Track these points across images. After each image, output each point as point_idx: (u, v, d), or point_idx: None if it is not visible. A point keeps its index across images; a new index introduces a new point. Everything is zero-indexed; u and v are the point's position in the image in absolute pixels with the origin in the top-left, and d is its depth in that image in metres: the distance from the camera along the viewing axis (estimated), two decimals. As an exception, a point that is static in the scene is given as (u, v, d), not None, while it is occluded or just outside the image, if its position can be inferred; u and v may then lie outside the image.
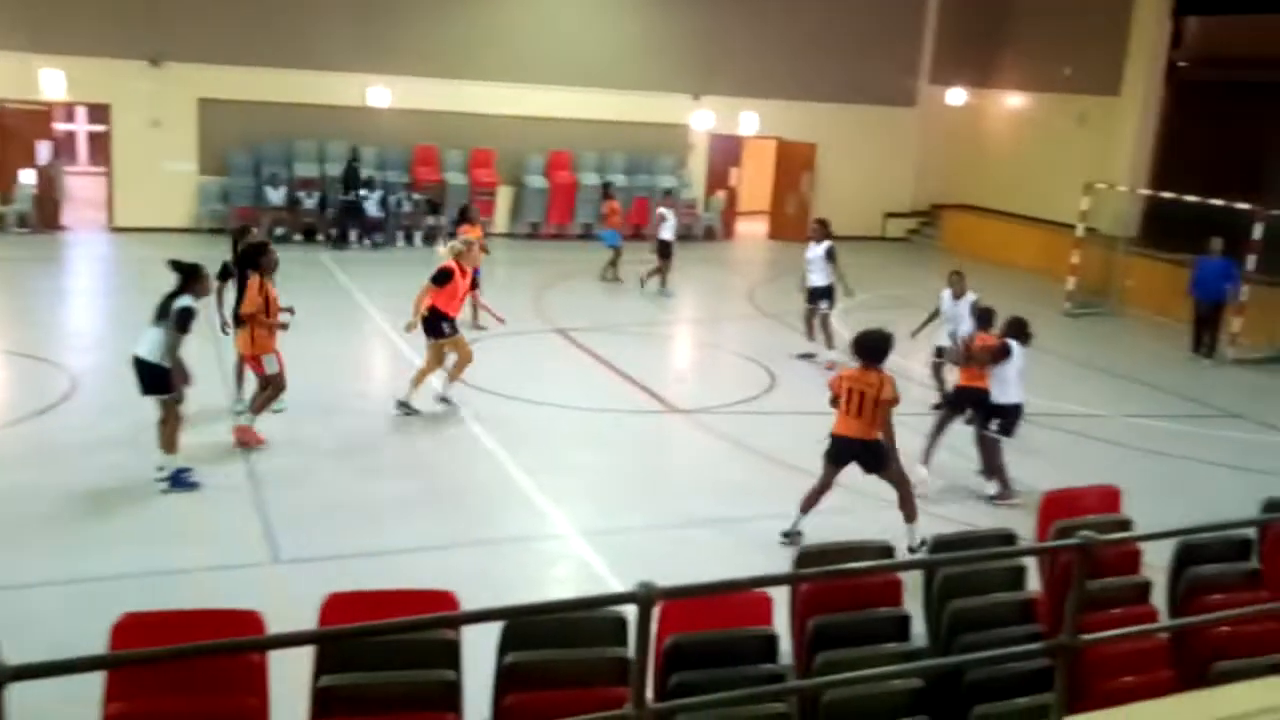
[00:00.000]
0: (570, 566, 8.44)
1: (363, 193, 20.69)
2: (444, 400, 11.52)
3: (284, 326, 10.18)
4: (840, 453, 8.42)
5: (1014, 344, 9.72)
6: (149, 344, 8.80)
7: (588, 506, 9.40)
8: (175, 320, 8.75)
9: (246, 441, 9.98)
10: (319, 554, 8.06)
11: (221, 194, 20.88)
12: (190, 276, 8.95)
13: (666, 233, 17.77)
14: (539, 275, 18.95)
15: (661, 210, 18.20)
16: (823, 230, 14.52)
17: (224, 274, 10.77)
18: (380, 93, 21.25)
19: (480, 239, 14.88)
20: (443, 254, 11.53)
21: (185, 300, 8.83)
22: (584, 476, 10.08)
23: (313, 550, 8.12)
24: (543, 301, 16.94)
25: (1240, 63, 23.06)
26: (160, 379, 8.85)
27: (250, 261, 10.13)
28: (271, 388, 10.18)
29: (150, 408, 9.02)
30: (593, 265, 19.40)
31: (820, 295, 14.17)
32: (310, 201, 20.63)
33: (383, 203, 20.94)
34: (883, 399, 8.10)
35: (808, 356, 14.28)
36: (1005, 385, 9.67)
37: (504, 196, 22.47)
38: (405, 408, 11.19)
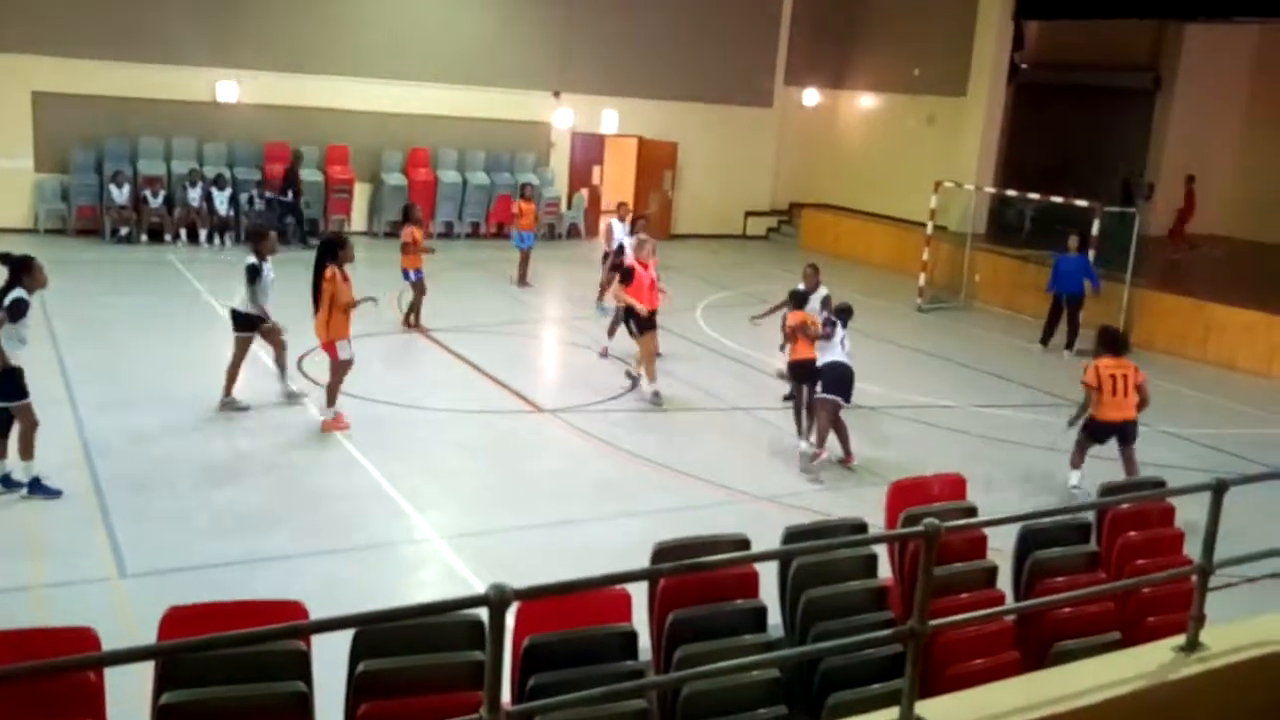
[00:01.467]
0: (434, 571, 8.32)
1: (213, 190, 20.04)
2: None
3: (373, 301, 11.32)
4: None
5: (838, 321, 10.92)
6: None
7: (452, 509, 9.29)
8: (8, 312, 8.44)
9: (337, 427, 10.67)
10: (169, 566, 7.76)
11: (61, 192, 19.92)
12: (21, 268, 8.64)
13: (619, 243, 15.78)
14: (399, 275, 18.60)
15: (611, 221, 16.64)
16: (625, 209, 16.48)
17: (253, 272, 11.10)
18: (229, 87, 20.57)
19: (420, 238, 14.78)
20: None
21: (18, 292, 8.55)
22: (449, 479, 9.96)
23: (162, 563, 7.81)
24: (404, 302, 16.64)
25: (1076, 66, 24.21)
26: (10, 386, 8.55)
27: (330, 253, 10.77)
28: (340, 372, 10.81)
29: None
30: (452, 264, 19.17)
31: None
32: (156, 201, 19.84)
33: (233, 200, 20.29)
34: None
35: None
36: (830, 351, 10.73)
37: (361, 194, 22.01)
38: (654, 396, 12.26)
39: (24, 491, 8.68)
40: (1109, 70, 24.29)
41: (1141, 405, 10.14)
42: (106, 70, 19.49)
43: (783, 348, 12.39)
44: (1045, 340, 16.94)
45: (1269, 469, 10.38)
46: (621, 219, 16.38)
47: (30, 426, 8.71)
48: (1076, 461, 10.33)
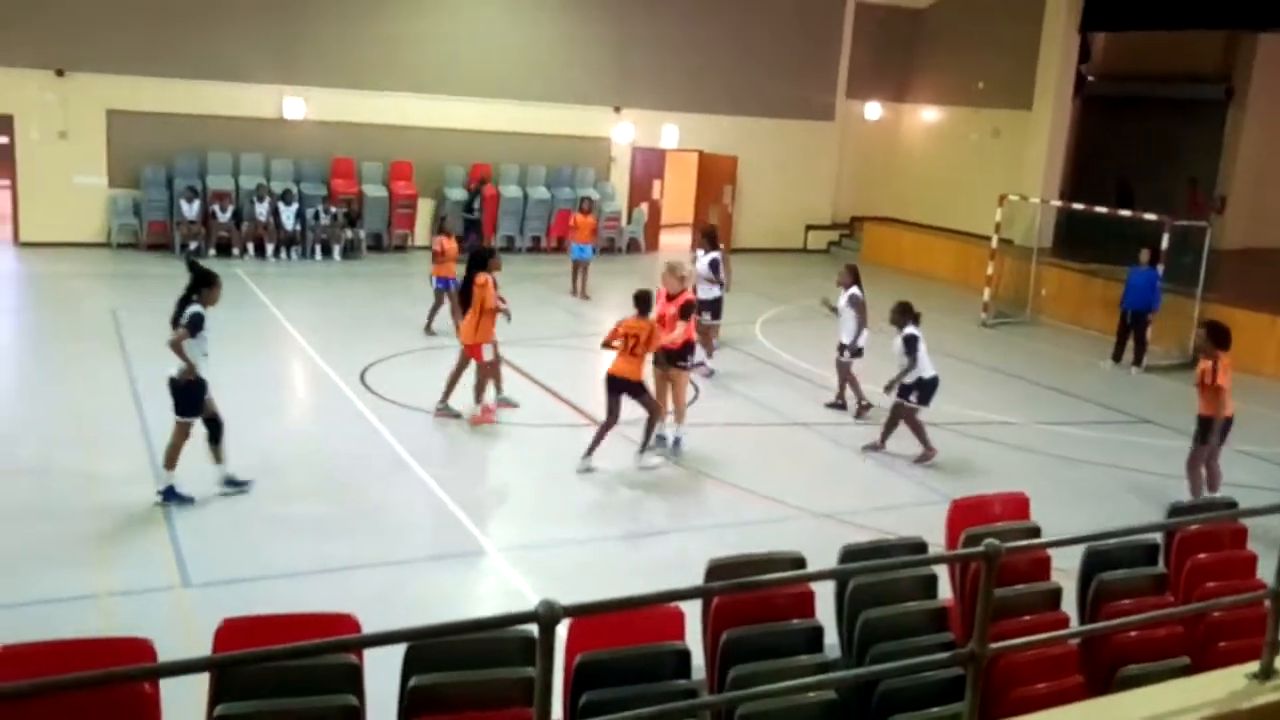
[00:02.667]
0: (491, 585, 8.33)
1: (280, 205, 20.39)
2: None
3: (506, 315, 11.72)
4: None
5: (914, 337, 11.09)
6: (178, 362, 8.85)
7: (510, 523, 9.31)
8: (188, 327, 8.74)
9: (485, 420, 11.46)
10: (230, 577, 7.86)
11: (133, 207, 20.39)
12: (203, 282, 8.89)
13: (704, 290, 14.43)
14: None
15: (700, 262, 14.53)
16: (710, 241, 14.63)
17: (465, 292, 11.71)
18: (295, 104, 20.93)
19: (449, 248, 15.13)
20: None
21: (195, 308, 8.81)
22: (506, 492, 10.00)
23: (223, 574, 7.91)
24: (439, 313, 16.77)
25: (1145, 77, 23.77)
26: (191, 399, 8.91)
27: (480, 264, 11.59)
28: (485, 373, 11.50)
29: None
30: (512, 278, 19.22)
31: (704, 307, 13.97)
32: (224, 215, 20.22)
33: (299, 215, 20.61)
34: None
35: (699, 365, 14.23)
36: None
37: (424, 209, 22.25)
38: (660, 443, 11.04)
39: (158, 499, 8.95)
40: (1178, 81, 23.80)
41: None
42: (177, 88, 19.95)
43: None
44: (1118, 356, 16.62)
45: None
46: (704, 251, 14.78)
47: (183, 440, 9.01)
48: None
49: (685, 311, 11.07)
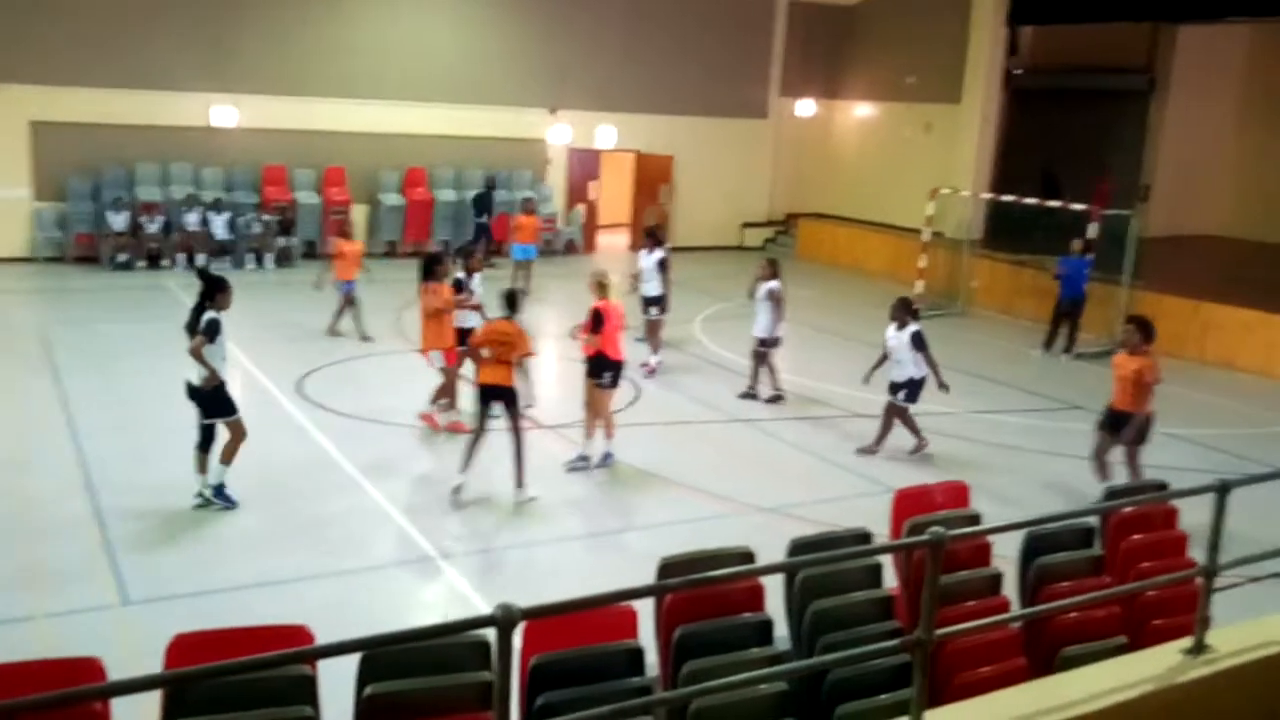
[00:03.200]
0: (437, 591, 8.30)
1: (210, 214, 20.10)
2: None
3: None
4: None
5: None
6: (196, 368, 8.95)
7: (455, 528, 9.27)
8: (205, 333, 8.78)
9: (453, 428, 11.52)
10: (171, 593, 7.76)
11: (59, 220, 19.96)
12: (216, 288, 8.96)
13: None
14: (398, 294, 18.64)
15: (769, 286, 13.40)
16: (654, 240, 15.07)
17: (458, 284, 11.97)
18: (225, 112, 20.64)
19: (346, 250, 15.14)
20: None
21: (211, 313, 8.90)
22: (448, 497, 9.93)
23: (165, 589, 7.80)
24: (404, 321, 16.66)
25: (1071, 69, 24.26)
26: (222, 400, 9.04)
27: (428, 272, 11.66)
28: (446, 380, 11.64)
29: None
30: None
31: (652, 303, 14.63)
32: (153, 226, 19.88)
33: (231, 224, 20.33)
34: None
35: (643, 365, 14.39)
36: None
37: (359, 215, 22.05)
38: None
39: (208, 494, 9.13)
40: (1103, 73, 24.33)
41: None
42: (103, 98, 19.56)
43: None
44: (1049, 344, 16.97)
45: (1272, 468, 10.38)
46: (647, 250, 15.03)
47: (240, 438, 9.16)
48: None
49: (594, 323, 10.53)
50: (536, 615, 3.46)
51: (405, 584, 8.35)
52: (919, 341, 11.16)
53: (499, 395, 9.76)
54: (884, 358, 11.42)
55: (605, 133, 24.27)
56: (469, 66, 22.61)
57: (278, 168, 21.30)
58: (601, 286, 10.80)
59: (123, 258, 19.50)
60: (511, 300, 10.05)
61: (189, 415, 11.36)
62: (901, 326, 11.29)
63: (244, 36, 20.64)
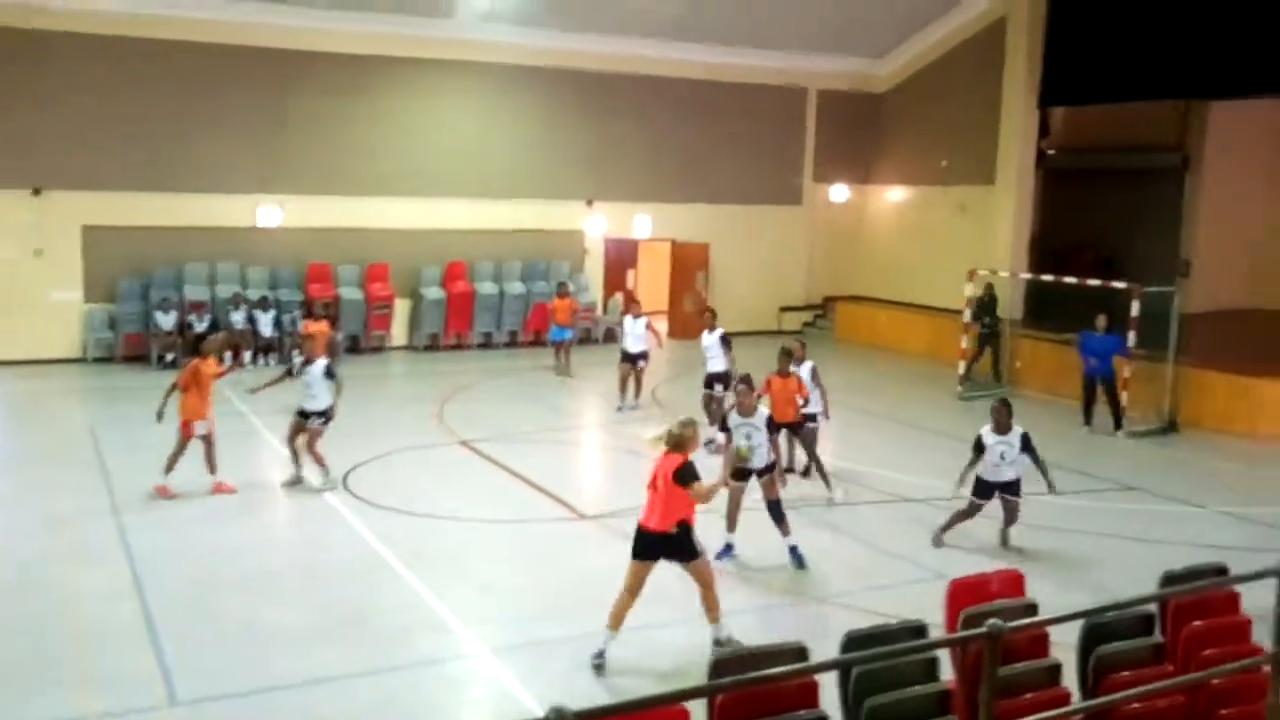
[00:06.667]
0: (484, 688, 8.21)
1: (256, 312, 20.43)
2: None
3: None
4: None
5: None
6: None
7: (500, 623, 9.19)
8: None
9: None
10: (218, 692, 7.72)
11: (109, 321, 20.38)
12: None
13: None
14: (440, 387, 18.81)
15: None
16: (714, 318, 15.89)
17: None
18: (270, 212, 21.12)
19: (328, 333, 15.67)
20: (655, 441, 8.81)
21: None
22: (495, 591, 9.88)
23: (211, 689, 7.77)
24: (445, 413, 16.77)
25: (1104, 149, 24.34)
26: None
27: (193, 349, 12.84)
28: (181, 446, 12.08)
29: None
30: (489, 373, 19.50)
31: (717, 379, 15.23)
32: (201, 325, 20.22)
33: (277, 322, 20.64)
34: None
35: (709, 443, 14.34)
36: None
37: (401, 309, 22.36)
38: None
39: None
40: (1136, 151, 24.36)
41: None
42: (151, 201, 20.12)
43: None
44: (1088, 420, 16.77)
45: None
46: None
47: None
48: None
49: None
50: (590, 717, 3.41)
51: (450, 680, 8.25)
52: (1027, 443, 10.96)
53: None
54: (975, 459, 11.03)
55: (641, 222, 24.56)
56: (505, 161, 23.07)
57: (321, 265, 21.68)
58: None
59: (170, 357, 19.81)
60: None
61: (238, 509, 11.47)
62: (1006, 430, 10.99)
63: (288, 138, 21.20)
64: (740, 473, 10.24)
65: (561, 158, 23.61)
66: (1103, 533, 11.65)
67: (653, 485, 8.24)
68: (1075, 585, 9.90)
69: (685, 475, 8.01)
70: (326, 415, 12.54)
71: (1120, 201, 24.63)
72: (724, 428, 10.21)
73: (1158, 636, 6.21)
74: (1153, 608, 6.34)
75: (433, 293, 22.38)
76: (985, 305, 19.39)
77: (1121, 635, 6.05)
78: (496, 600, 9.66)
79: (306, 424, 12.51)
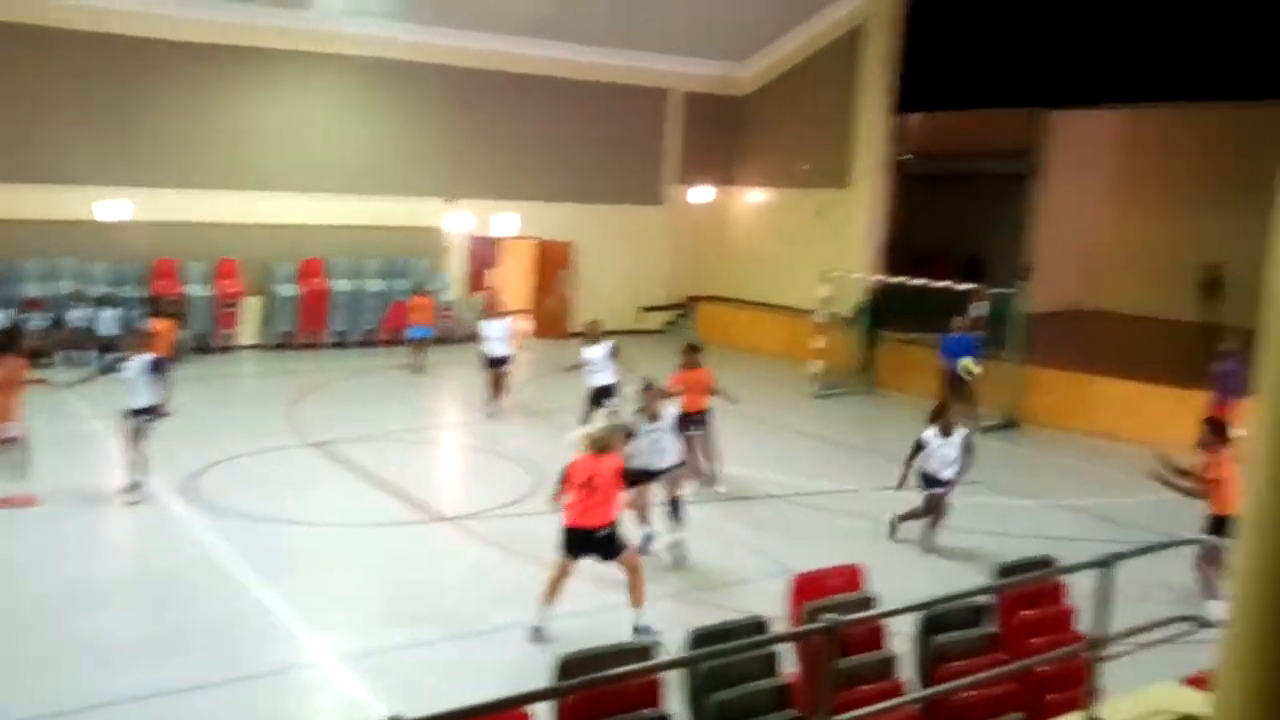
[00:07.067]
0: (331, 697, 8.02)
1: (96, 310, 19.56)
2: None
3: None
4: None
5: None
6: None
7: (349, 629, 8.98)
8: None
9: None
10: (47, 712, 7.34)
11: (-66, 320, 19.21)
12: None
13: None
14: (292, 387, 18.32)
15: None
16: (600, 330, 15.19)
17: None
18: (116, 205, 20.22)
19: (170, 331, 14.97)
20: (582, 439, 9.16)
21: None
22: (344, 597, 9.65)
23: (39, 709, 7.38)
24: (296, 414, 16.35)
25: (955, 155, 25.19)
26: None
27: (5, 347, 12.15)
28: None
29: None
30: (346, 373, 19.08)
31: (604, 394, 14.56)
32: (37, 323, 19.24)
33: (120, 320, 19.78)
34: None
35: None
36: None
37: (252, 307, 21.70)
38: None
39: None
40: (988, 157, 25.32)
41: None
42: (-16, 192, 19.06)
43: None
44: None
45: (1159, 537, 10.66)
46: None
47: None
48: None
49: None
50: (422, 725, 3.34)
51: (296, 690, 8.04)
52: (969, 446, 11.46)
53: None
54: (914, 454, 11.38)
55: (502, 220, 24.39)
56: (364, 157, 22.61)
57: (168, 261, 20.87)
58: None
59: (2, 356, 18.78)
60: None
61: (70, 517, 10.94)
62: (948, 433, 11.43)
63: (132, 129, 20.33)
64: (648, 473, 10.28)
65: (422, 154, 23.26)
66: (949, 525, 12.03)
67: (587, 486, 8.40)
68: (917, 576, 10.20)
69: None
70: (152, 413, 11.96)
71: (976, 206, 25.57)
72: (629, 436, 10.12)
73: (990, 627, 6.44)
74: (987, 599, 6.57)
75: (286, 290, 21.79)
76: (865, 310, 19.73)
77: (957, 626, 6.26)
78: (346, 606, 9.45)
79: (134, 423, 11.94)
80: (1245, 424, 13.23)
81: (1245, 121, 21.07)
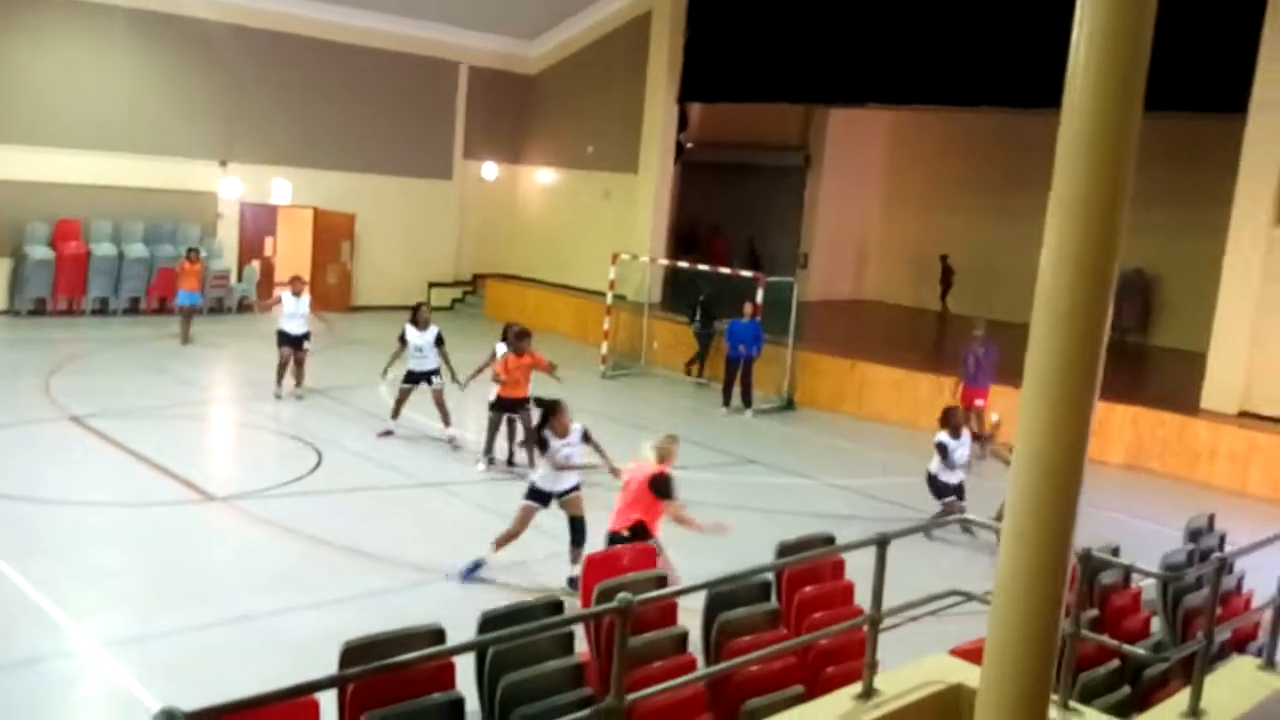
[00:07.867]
0: (94, 687, 7.53)
1: None
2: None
3: None
4: None
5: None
6: None
7: (113, 614, 8.47)
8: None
9: None
10: None
11: None
12: (550, 412, 9.69)
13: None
14: (48, 357, 17.08)
15: None
16: (426, 313, 14.74)
17: None
18: None
19: None
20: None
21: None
22: (108, 581, 9.09)
23: None
24: (53, 386, 15.25)
25: (736, 145, 25.93)
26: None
27: None
28: None
29: None
30: (107, 343, 17.89)
31: (424, 378, 14.17)
32: None
33: None
34: None
35: (388, 434, 14.16)
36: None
37: (1, 270, 20.06)
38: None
39: None
40: (766, 149, 26.16)
41: None
42: None
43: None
44: (726, 401, 17.81)
45: (925, 517, 11.34)
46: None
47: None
48: None
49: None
50: (206, 718, 3.17)
51: (56, 680, 7.51)
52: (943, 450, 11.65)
53: None
54: None
55: (280, 187, 23.43)
56: (128, 113, 21.18)
57: (-98, 217, 19.05)
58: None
59: None
60: None
61: None
62: (958, 434, 11.68)
63: None
64: (540, 495, 9.79)
65: (193, 113, 22.00)
66: (729, 504, 12.40)
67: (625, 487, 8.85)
68: (707, 555, 10.44)
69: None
70: None
71: (754, 196, 26.40)
72: (544, 448, 9.71)
73: (774, 603, 6.68)
74: (770, 576, 6.81)
75: (39, 252, 20.25)
76: (701, 305, 19.69)
77: (742, 602, 6.45)
78: (109, 590, 8.91)
79: None
80: (995, 408, 14.23)
81: (1002, 126, 22.56)
